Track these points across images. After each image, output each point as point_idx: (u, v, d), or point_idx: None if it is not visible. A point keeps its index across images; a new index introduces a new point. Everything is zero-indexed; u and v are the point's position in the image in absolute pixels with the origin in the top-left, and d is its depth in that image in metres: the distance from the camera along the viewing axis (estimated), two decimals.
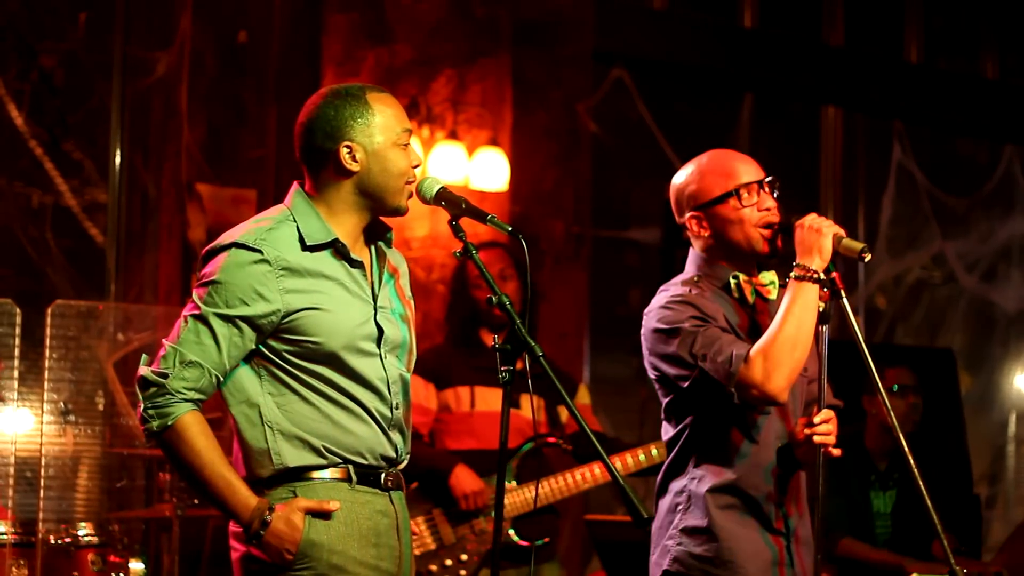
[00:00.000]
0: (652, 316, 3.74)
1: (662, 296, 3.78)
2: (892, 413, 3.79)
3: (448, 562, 5.28)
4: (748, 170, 3.76)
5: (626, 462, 5.41)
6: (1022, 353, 10.25)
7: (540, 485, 5.35)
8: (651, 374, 3.79)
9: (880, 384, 3.73)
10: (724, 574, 3.70)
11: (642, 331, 3.77)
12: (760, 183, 3.74)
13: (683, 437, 3.76)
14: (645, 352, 3.78)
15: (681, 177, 3.82)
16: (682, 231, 3.91)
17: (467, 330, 5.44)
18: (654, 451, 5.41)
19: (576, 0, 7.83)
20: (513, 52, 7.53)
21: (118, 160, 7.10)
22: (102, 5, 7.17)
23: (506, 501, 5.26)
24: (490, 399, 5.37)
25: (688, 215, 3.81)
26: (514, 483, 5.32)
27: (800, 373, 3.71)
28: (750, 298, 3.79)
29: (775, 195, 3.76)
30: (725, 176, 3.75)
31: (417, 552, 5.22)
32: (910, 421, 6.17)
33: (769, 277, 3.81)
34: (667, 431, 3.82)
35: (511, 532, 5.32)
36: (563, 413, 5.51)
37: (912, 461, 3.74)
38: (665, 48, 8.66)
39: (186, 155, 6.98)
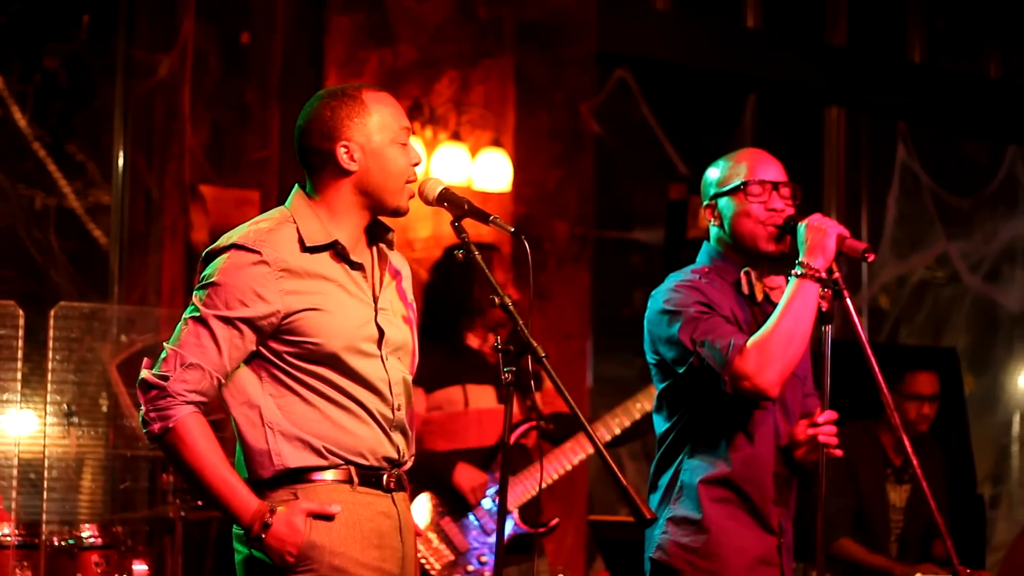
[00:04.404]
0: (659, 297, 3.78)
1: (672, 280, 3.82)
2: (896, 414, 3.79)
3: (470, 568, 5.29)
4: (767, 170, 3.80)
5: (610, 425, 5.44)
6: None
7: (535, 471, 5.36)
8: (650, 358, 3.82)
9: (883, 384, 3.72)
10: (708, 566, 3.71)
11: (647, 312, 3.79)
12: (775, 184, 3.77)
13: (676, 430, 3.78)
14: (646, 335, 3.80)
15: (711, 166, 3.91)
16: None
17: (452, 329, 5.42)
18: (638, 404, 5.43)
19: (579, 1, 7.82)
20: (516, 53, 7.53)
21: (121, 162, 7.10)
22: (105, 7, 7.17)
23: (508, 493, 5.28)
24: (482, 397, 5.38)
25: (705, 203, 3.86)
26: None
27: (795, 374, 3.73)
28: (759, 296, 3.81)
29: (795, 202, 3.78)
30: (742, 170, 3.81)
31: (438, 566, 5.23)
32: (914, 428, 6.19)
33: (779, 282, 3.82)
34: (659, 424, 3.83)
35: (520, 522, 5.32)
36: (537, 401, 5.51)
37: (916, 462, 3.76)
38: (668, 49, 8.65)
39: (189, 156, 6.97)
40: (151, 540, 6.16)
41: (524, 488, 5.31)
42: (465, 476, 5.25)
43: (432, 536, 5.27)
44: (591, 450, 5.35)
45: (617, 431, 5.51)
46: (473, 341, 5.40)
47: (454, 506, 5.30)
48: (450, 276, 5.47)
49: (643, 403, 5.46)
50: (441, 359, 5.34)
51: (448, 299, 5.44)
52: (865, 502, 6.14)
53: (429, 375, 5.29)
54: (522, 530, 5.31)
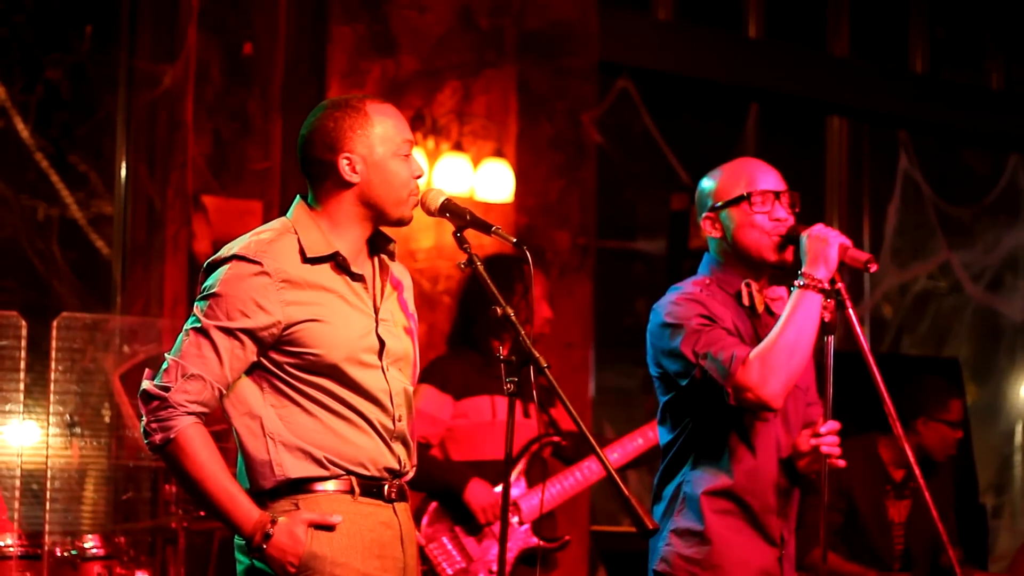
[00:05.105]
0: (660, 310, 3.78)
1: (672, 293, 3.82)
2: (899, 423, 3.78)
3: (483, 575, 5.28)
4: (767, 179, 3.79)
5: (625, 449, 5.43)
6: None
7: (548, 486, 5.36)
8: (652, 371, 3.81)
9: (886, 394, 3.71)
10: None
11: (648, 326, 3.79)
12: (776, 194, 3.77)
13: (679, 441, 3.78)
14: (648, 348, 3.79)
15: (705, 178, 3.87)
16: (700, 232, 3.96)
17: (485, 340, 5.41)
18: (650, 433, 5.42)
19: (581, 11, 7.83)
20: (518, 63, 7.53)
21: (124, 172, 7.11)
22: (108, 17, 7.19)
23: (523, 505, 5.27)
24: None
25: (704, 215, 3.84)
26: (525, 488, 5.32)
27: (796, 385, 3.72)
28: (759, 307, 3.80)
29: (794, 210, 3.78)
30: (743, 180, 3.80)
31: (451, 571, 5.22)
32: (945, 455, 6.15)
33: (780, 293, 3.82)
34: (663, 436, 3.83)
35: (534, 536, 5.32)
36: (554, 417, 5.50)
37: (918, 472, 3.76)
38: (670, 59, 8.66)
39: (192, 167, 6.97)
40: (153, 551, 6.15)
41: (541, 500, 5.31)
42: (476, 494, 5.23)
43: (447, 542, 5.27)
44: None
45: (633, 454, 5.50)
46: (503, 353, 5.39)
47: (469, 516, 5.29)
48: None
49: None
50: (472, 369, 5.34)
51: (482, 310, 5.43)
52: (863, 520, 6.12)
53: (460, 383, 5.30)
54: (535, 543, 5.30)
